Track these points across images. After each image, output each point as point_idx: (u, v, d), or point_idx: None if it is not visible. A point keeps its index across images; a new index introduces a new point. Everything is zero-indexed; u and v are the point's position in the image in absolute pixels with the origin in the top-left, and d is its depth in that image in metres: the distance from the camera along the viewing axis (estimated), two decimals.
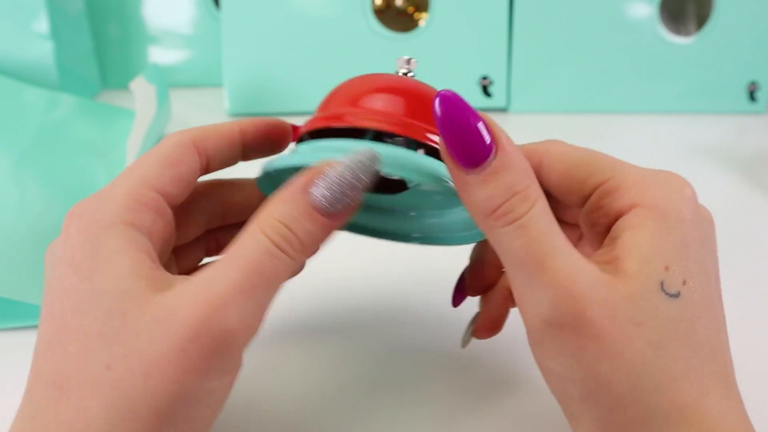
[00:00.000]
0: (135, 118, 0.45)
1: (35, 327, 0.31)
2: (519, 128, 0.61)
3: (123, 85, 0.60)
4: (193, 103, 0.65)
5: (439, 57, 0.62)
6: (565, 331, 0.19)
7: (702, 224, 0.21)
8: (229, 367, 0.19)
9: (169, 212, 0.22)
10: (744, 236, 0.42)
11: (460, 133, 0.19)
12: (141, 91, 0.48)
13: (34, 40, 0.57)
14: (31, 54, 0.57)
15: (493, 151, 0.19)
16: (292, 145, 0.27)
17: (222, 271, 0.19)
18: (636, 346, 0.18)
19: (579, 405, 0.20)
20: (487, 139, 0.19)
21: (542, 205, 0.19)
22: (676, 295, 0.19)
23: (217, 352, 0.18)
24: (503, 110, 0.64)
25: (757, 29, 0.62)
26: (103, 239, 0.19)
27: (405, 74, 0.25)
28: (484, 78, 0.63)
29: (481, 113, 0.19)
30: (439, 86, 0.59)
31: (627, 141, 0.58)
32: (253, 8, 0.60)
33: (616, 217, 0.20)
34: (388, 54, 0.62)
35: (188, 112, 0.62)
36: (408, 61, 0.25)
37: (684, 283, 0.19)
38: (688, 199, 0.20)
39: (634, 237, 0.19)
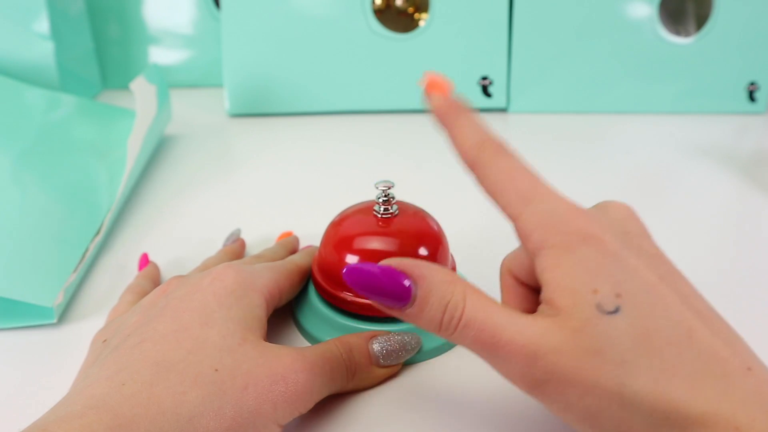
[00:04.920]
0: (135, 118, 0.46)
1: (35, 327, 0.32)
2: (519, 128, 0.61)
3: (123, 85, 0.60)
4: (193, 103, 0.65)
5: (439, 57, 0.62)
6: (544, 387, 0.20)
7: (609, 238, 0.22)
8: (289, 416, 0.24)
9: (276, 304, 0.29)
10: (744, 236, 0.42)
11: (378, 291, 0.22)
12: (141, 91, 0.48)
13: (35, 40, 0.57)
14: (32, 54, 0.57)
15: (412, 286, 0.22)
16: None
17: (310, 349, 0.26)
18: (603, 372, 0.20)
19: None
20: (402, 280, 0.22)
21: (472, 298, 0.22)
22: (616, 311, 0.20)
23: (294, 396, 0.24)
24: (503, 110, 0.64)
25: (757, 29, 0.62)
26: (249, 294, 0.27)
27: (385, 203, 0.29)
28: (484, 78, 0.63)
29: (386, 264, 0.22)
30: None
31: (627, 141, 0.58)
32: (253, 8, 0.60)
33: (531, 262, 0.23)
34: (388, 54, 0.62)
35: (188, 112, 0.62)
36: (386, 196, 0.29)
37: (618, 296, 0.20)
38: (583, 225, 0.22)
39: (554, 277, 0.21)
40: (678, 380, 0.20)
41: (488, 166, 0.24)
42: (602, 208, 0.24)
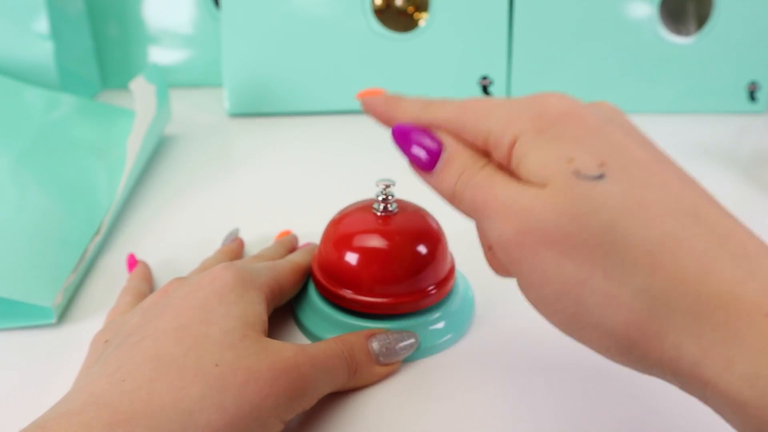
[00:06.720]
0: (135, 118, 0.46)
1: (35, 327, 0.32)
2: None
3: (123, 85, 0.60)
4: (193, 103, 0.65)
5: (439, 57, 0.62)
6: (519, 251, 0.19)
7: (590, 114, 0.20)
8: (291, 411, 0.24)
9: (277, 302, 0.30)
10: None
11: (415, 141, 0.23)
12: (141, 91, 0.48)
13: (34, 40, 0.57)
14: (31, 54, 0.57)
15: (440, 150, 0.23)
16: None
17: (312, 345, 0.26)
18: (585, 236, 0.18)
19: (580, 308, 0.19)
20: (433, 144, 0.23)
21: (487, 169, 0.21)
22: (600, 177, 0.18)
23: (296, 391, 0.24)
24: None
25: (757, 29, 0.62)
26: (250, 292, 0.27)
27: (385, 201, 0.30)
28: (484, 78, 0.63)
29: (422, 126, 0.23)
30: (440, 85, 0.60)
31: None
32: (253, 8, 0.60)
33: (509, 161, 0.21)
34: (388, 54, 0.62)
35: (188, 112, 0.62)
36: (386, 194, 0.30)
37: (602, 165, 0.18)
38: (554, 105, 0.20)
39: (526, 163, 0.20)
40: (685, 255, 0.17)
41: (438, 114, 0.23)
42: (587, 103, 0.23)
